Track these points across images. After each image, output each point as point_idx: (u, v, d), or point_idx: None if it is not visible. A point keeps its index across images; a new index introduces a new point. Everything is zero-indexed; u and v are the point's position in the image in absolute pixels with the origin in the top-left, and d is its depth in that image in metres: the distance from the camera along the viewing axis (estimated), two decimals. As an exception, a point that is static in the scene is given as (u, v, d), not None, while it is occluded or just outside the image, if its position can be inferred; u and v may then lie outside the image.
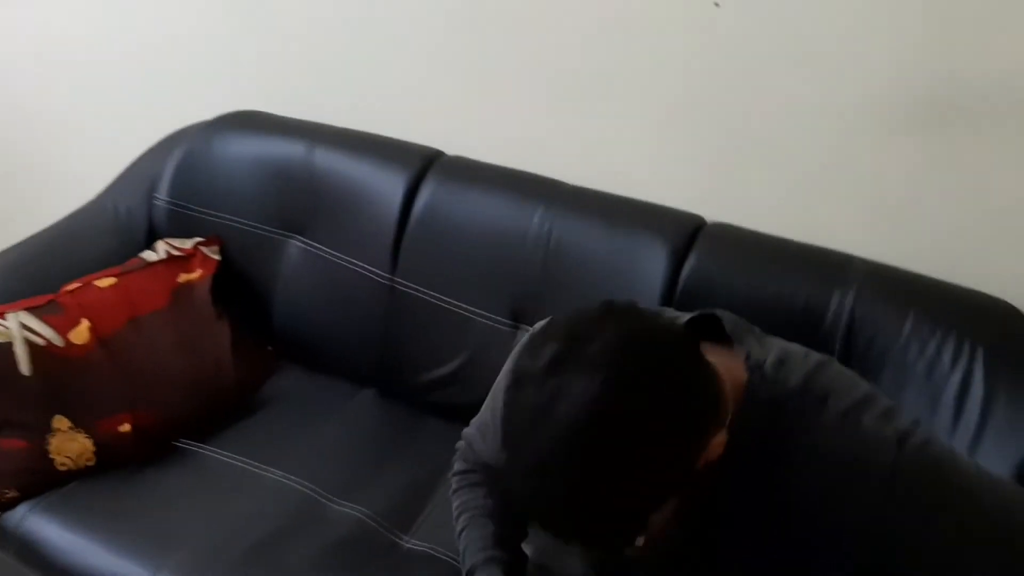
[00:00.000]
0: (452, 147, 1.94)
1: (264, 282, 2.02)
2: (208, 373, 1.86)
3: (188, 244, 2.00)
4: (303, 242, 1.98)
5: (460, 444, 1.43)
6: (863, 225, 1.59)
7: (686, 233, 1.64)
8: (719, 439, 0.89)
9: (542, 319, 1.70)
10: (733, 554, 1.02)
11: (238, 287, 2.02)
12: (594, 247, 1.70)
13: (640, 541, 0.90)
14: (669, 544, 1.01)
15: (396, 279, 1.87)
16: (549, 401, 0.81)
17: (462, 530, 1.34)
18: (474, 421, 1.41)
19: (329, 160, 1.95)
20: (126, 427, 1.72)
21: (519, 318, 1.77)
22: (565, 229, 1.72)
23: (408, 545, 1.61)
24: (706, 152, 1.54)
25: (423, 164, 1.89)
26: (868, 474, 0.93)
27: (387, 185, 1.89)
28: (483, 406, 1.37)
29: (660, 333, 0.87)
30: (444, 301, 1.82)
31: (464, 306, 1.81)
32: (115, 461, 1.70)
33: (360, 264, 1.90)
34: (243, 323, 1.99)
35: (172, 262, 1.96)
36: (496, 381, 1.29)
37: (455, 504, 1.38)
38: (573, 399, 0.80)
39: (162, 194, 2.06)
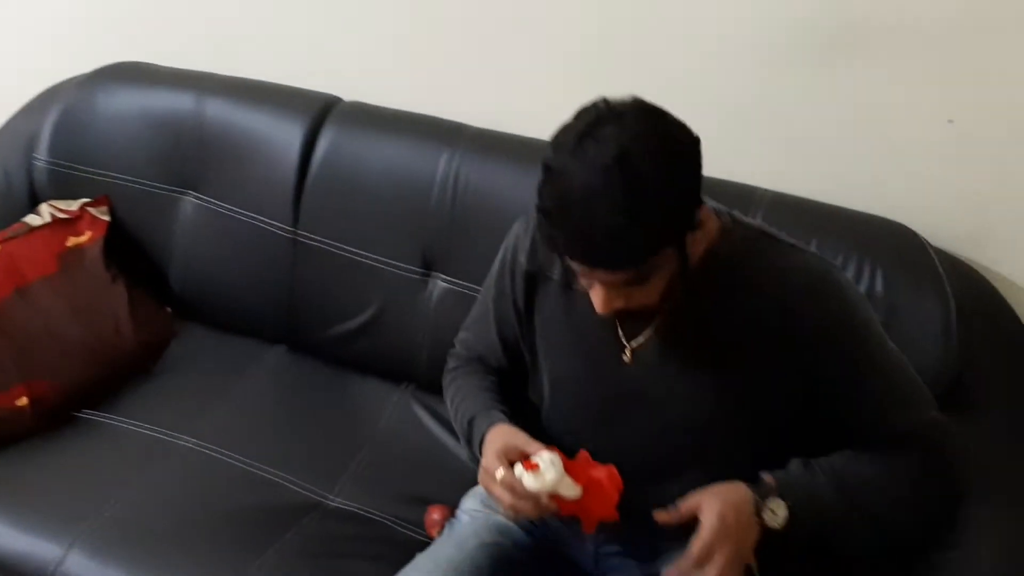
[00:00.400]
0: (350, 94, 1.88)
1: (159, 241, 1.94)
2: (106, 339, 1.79)
3: (74, 206, 1.90)
4: (198, 198, 1.91)
5: (452, 351, 1.48)
6: (766, 158, 1.62)
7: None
8: (701, 233, 1.10)
9: (454, 266, 1.72)
10: (686, 385, 1.19)
11: (132, 248, 1.94)
12: (503, 189, 1.68)
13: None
14: (641, 364, 1.20)
15: (299, 232, 1.82)
16: (587, 143, 1.00)
17: (457, 398, 1.37)
18: (463, 327, 1.47)
19: (220, 110, 1.88)
20: (23, 401, 1.65)
21: (430, 266, 1.75)
22: (472, 172, 1.70)
23: (333, 504, 1.59)
24: (609, 91, 1.53)
25: (321, 111, 1.83)
26: (816, 280, 1.16)
27: (284, 134, 1.83)
28: (472, 310, 1.45)
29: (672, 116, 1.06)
30: (351, 252, 1.79)
31: (372, 256, 1.77)
32: (15, 437, 1.64)
33: (260, 218, 1.85)
34: (140, 285, 1.92)
35: (58, 225, 1.87)
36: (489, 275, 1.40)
37: (450, 392, 1.41)
38: (607, 138, 0.99)
39: (42, 154, 1.95)
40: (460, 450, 1.68)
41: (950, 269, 1.47)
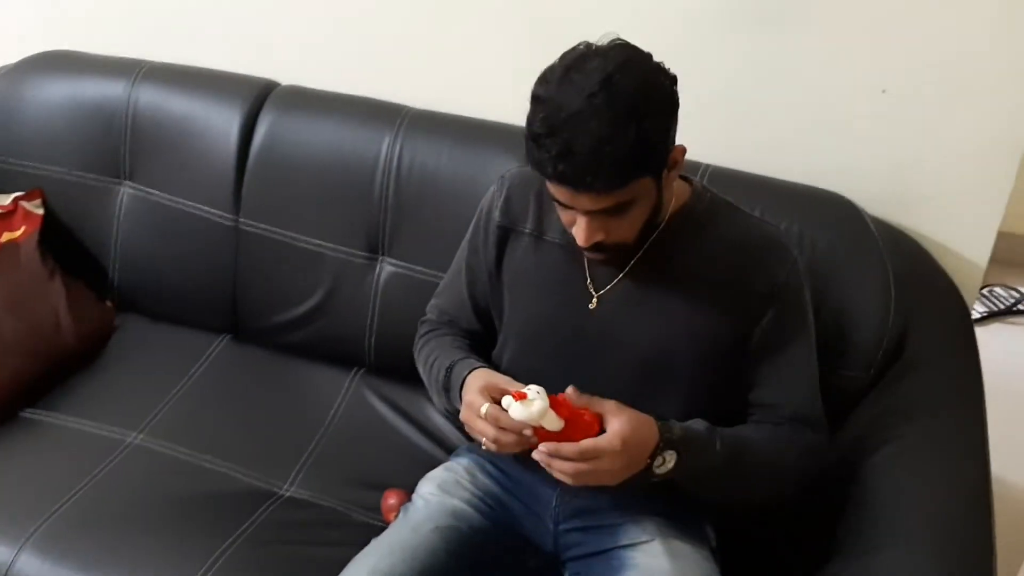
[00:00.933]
0: (288, 78, 1.85)
1: (97, 233, 1.90)
2: (45, 335, 1.76)
3: (7, 200, 1.85)
4: (134, 187, 1.87)
5: (423, 319, 1.52)
6: (704, 132, 1.63)
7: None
8: (674, 180, 1.22)
9: (400, 248, 1.71)
10: (647, 328, 1.27)
11: (69, 241, 1.90)
12: (446, 169, 1.67)
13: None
14: (606, 310, 1.28)
15: (241, 219, 1.80)
16: (574, 72, 1.08)
17: (432, 356, 1.40)
18: (435, 295, 1.52)
19: (154, 98, 1.84)
20: (-39, 403, 1.61)
21: (375, 249, 1.74)
22: (415, 153, 1.69)
23: (288, 493, 1.58)
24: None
25: (258, 96, 1.80)
26: (777, 249, 1.27)
27: (221, 120, 1.80)
28: (444, 278, 1.50)
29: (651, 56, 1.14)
30: (294, 238, 1.77)
31: (316, 241, 1.76)
32: (-46, 440, 1.59)
33: (200, 206, 1.82)
34: (79, 279, 1.88)
35: (-10, 221, 1.81)
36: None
37: (423, 353, 1.44)
38: (593, 70, 1.08)
39: (-32, 148, 1.89)
40: (414, 434, 1.69)
41: (885, 235, 1.51)
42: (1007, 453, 2.25)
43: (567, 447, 1.14)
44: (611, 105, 1.06)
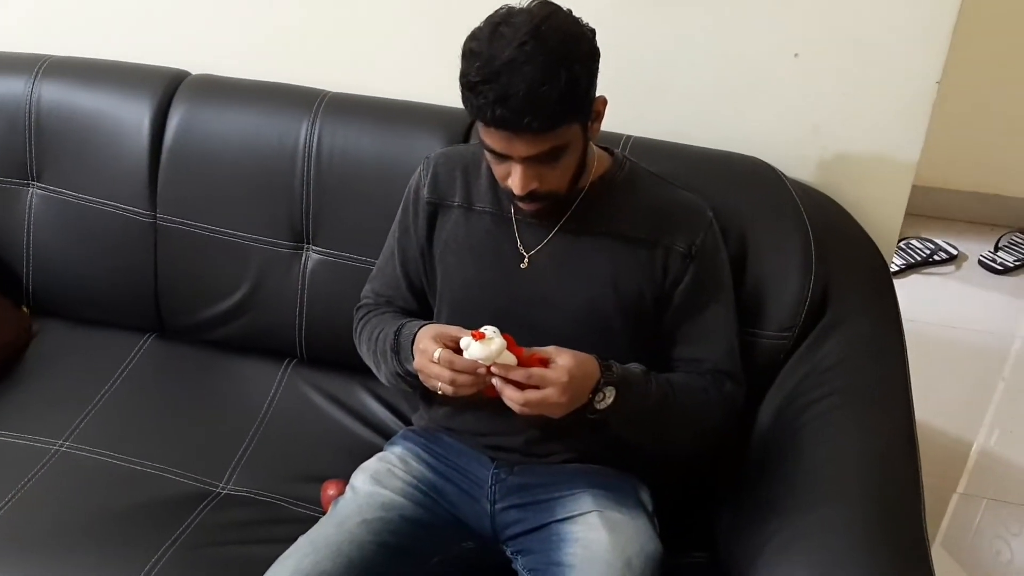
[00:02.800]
0: (198, 67, 1.80)
1: (7, 238, 1.84)
2: (-41, 347, 1.69)
3: (-94, 209, 1.77)
4: (44, 188, 1.81)
5: (358, 304, 1.53)
6: (623, 104, 1.64)
7: (461, 130, 1.62)
8: (602, 117, 1.29)
9: (324, 235, 1.69)
10: (576, 283, 1.34)
11: (-23, 248, 1.83)
12: (367, 152, 1.65)
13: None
14: (537, 269, 1.34)
15: (159, 215, 1.75)
16: (502, 26, 1.16)
17: (376, 330, 1.42)
18: (368, 280, 1.53)
19: (58, 94, 1.78)
20: None
21: (299, 238, 1.71)
22: (334, 138, 1.66)
23: (225, 491, 1.56)
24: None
25: (168, 87, 1.76)
26: (694, 213, 1.36)
27: (130, 114, 1.75)
28: (376, 263, 1.52)
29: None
30: (216, 231, 1.73)
31: (238, 234, 1.72)
32: None
33: (115, 204, 1.77)
34: (-9, 287, 1.81)
35: None
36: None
37: (365, 332, 1.45)
38: (520, 23, 1.15)
39: None
40: (351, 423, 1.67)
41: (805, 198, 1.54)
42: (930, 397, 2.35)
43: (518, 370, 1.21)
44: (542, 51, 1.13)
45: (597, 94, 1.24)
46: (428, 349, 1.26)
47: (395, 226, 1.48)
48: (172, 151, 1.73)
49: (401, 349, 1.34)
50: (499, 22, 1.17)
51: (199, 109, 1.73)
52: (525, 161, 1.21)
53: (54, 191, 1.80)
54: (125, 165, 1.74)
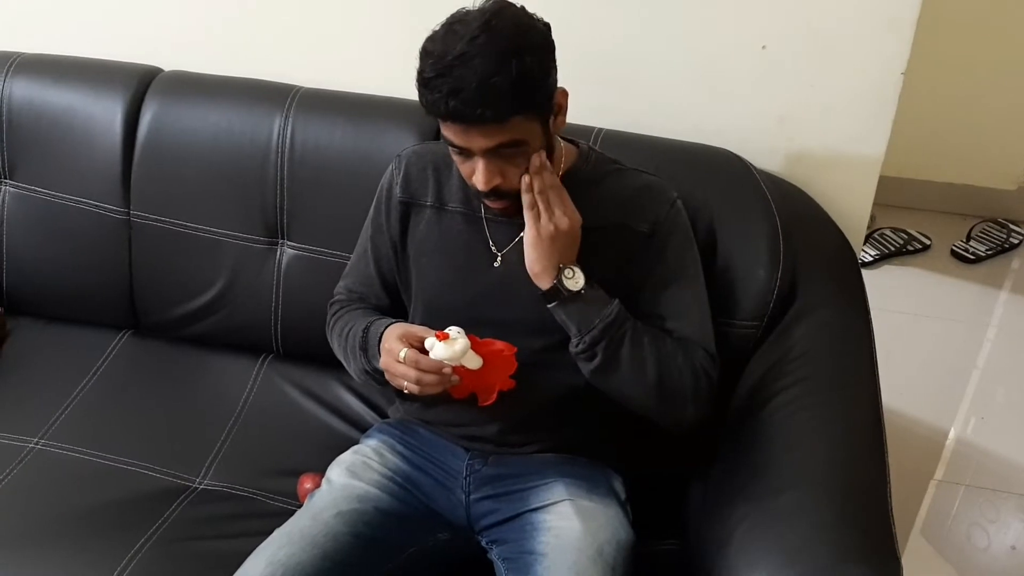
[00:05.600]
0: (170, 63, 1.80)
1: (-22, 237, 1.83)
2: (-67, 347, 1.68)
3: None
4: (16, 186, 1.80)
5: (332, 300, 1.54)
6: (592, 96, 1.63)
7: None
8: (564, 111, 1.29)
9: (299, 230, 1.69)
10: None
11: (-51, 248, 1.82)
12: (340, 146, 1.66)
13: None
14: (509, 266, 1.34)
15: (132, 212, 1.75)
16: (456, 24, 1.18)
17: (347, 327, 1.42)
18: (342, 276, 1.54)
19: (29, 91, 1.78)
20: None
21: (274, 233, 1.71)
22: (307, 133, 1.67)
23: (202, 486, 1.56)
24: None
25: (140, 83, 1.75)
26: (656, 193, 1.37)
27: (103, 111, 1.75)
28: (350, 260, 1.53)
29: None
30: (190, 228, 1.73)
31: (213, 230, 1.72)
32: None
33: (88, 201, 1.76)
34: (-37, 286, 1.81)
35: None
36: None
37: (336, 327, 1.46)
38: (473, 20, 1.17)
39: None
40: (327, 416, 1.68)
41: (774, 188, 1.55)
42: (905, 386, 2.38)
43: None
44: (493, 44, 1.15)
45: (563, 86, 1.25)
46: (394, 349, 1.27)
47: (368, 223, 1.48)
48: (145, 148, 1.73)
49: (369, 347, 1.36)
50: (453, 21, 1.20)
51: (171, 105, 1.73)
52: (486, 155, 1.22)
53: (26, 189, 1.79)
54: (98, 162, 1.74)
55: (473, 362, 1.25)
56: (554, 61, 1.23)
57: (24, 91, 1.77)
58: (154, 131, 1.72)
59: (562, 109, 1.28)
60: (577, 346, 1.29)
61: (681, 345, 1.34)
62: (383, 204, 1.44)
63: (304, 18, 1.76)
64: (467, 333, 1.25)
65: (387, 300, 1.48)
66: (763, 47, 1.58)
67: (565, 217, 1.26)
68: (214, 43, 1.81)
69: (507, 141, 1.21)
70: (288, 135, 1.67)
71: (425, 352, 1.25)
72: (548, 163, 1.26)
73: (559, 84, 1.26)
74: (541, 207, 1.25)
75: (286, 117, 1.68)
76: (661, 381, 1.30)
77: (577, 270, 1.28)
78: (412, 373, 1.25)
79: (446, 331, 1.23)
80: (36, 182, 1.78)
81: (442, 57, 1.16)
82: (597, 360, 1.29)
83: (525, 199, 1.25)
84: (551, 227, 1.25)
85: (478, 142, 1.20)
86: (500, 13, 1.19)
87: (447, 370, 1.24)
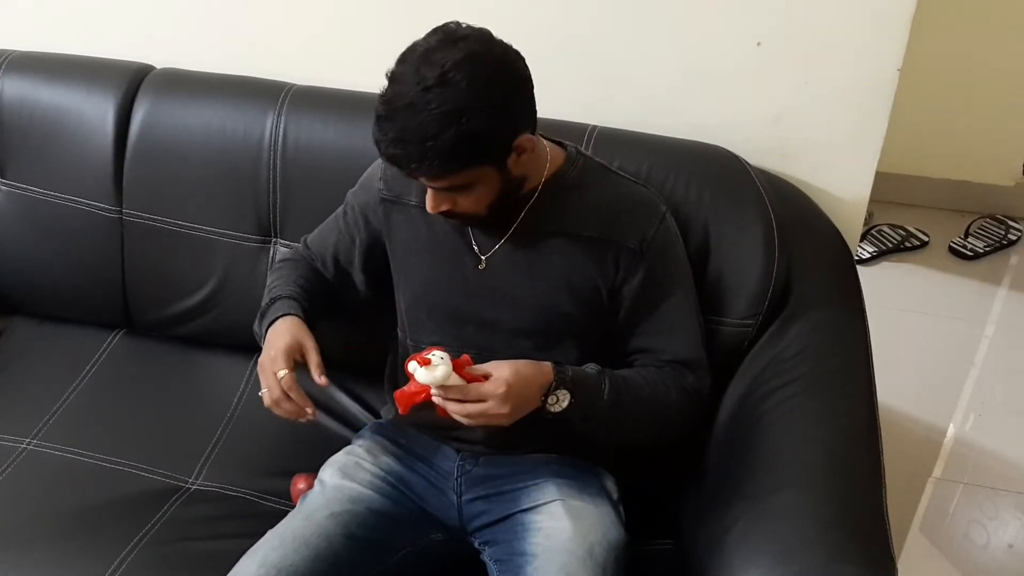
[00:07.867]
0: (162, 61, 1.79)
1: (-30, 236, 1.82)
2: (-76, 347, 1.68)
3: None
4: (8, 185, 1.80)
5: (296, 246, 1.56)
6: (588, 94, 1.65)
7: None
8: (529, 151, 1.24)
9: (292, 228, 1.68)
10: (531, 283, 1.34)
11: (-59, 247, 1.81)
12: (333, 144, 1.65)
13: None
14: (494, 269, 1.34)
15: (125, 211, 1.74)
16: (422, 65, 1.14)
17: (277, 282, 1.45)
18: (318, 228, 1.54)
19: (20, 89, 1.77)
20: None
21: (267, 232, 1.71)
22: (300, 130, 1.66)
23: (195, 487, 1.55)
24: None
25: (132, 81, 1.74)
26: (645, 207, 1.36)
27: (94, 109, 1.74)
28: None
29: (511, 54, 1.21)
30: (182, 226, 1.72)
31: (205, 228, 1.72)
32: None
33: (80, 200, 1.76)
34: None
35: None
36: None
37: (273, 275, 1.49)
38: (437, 62, 1.13)
39: None
40: (320, 416, 1.64)
41: (768, 185, 1.54)
42: (902, 383, 2.38)
43: (456, 388, 1.20)
44: (440, 103, 1.12)
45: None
46: (276, 360, 1.29)
47: (350, 197, 1.48)
48: (137, 146, 1.72)
49: (265, 318, 1.38)
50: (426, 52, 1.15)
51: (164, 103, 1.72)
52: (431, 188, 1.23)
53: (18, 187, 1.78)
54: (90, 160, 1.73)
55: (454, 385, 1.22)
56: (516, 113, 1.20)
57: (15, 89, 1.76)
58: (146, 129, 1.71)
59: (526, 151, 1.24)
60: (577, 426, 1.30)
61: (671, 374, 1.34)
62: (367, 192, 1.45)
63: (297, 15, 1.75)
64: (452, 358, 1.21)
65: (332, 271, 1.49)
66: (758, 44, 1.58)
67: (498, 410, 1.20)
68: (206, 40, 1.80)
69: (453, 186, 1.21)
70: (281, 133, 1.66)
71: (306, 367, 1.27)
72: (450, 388, 1.20)
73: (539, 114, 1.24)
74: (480, 420, 1.21)
75: (279, 115, 1.67)
76: (657, 427, 1.35)
77: (553, 392, 1.24)
78: (277, 392, 1.28)
79: (429, 356, 1.20)
80: (28, 181, 1.78)
81: (395, 98, 1.15)
82: (599, 431, 1.33)
83: (464, 421, 1.22)
84: (502, 419, 1.22)
85: (421, 181, 1.22)
86: (464, 63, 1.13)
87: (311, 411, 1.28)
